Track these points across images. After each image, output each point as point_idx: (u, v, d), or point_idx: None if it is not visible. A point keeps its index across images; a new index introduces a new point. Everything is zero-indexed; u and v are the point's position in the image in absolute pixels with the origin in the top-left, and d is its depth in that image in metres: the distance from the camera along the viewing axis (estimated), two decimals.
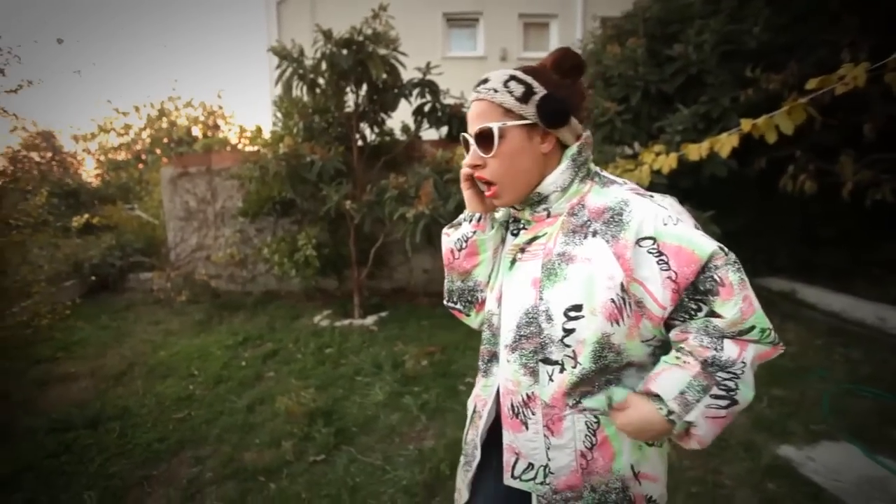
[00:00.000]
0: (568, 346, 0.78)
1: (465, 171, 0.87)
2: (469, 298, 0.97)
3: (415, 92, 4.39)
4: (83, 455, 2.40)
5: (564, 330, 0.77)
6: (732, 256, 0.74)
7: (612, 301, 0.75)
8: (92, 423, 2.69)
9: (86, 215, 6.82)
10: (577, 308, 0.76)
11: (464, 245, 0.92)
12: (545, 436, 0.82)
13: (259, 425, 2.64)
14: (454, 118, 4.62)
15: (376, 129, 4.65)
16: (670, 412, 0.74)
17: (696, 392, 0.73)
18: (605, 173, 0.85)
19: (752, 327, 0.74)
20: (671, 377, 0.75)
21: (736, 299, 0.72)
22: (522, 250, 0.86)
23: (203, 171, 5.42)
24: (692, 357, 0.75)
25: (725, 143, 2.08)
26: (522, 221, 0.89)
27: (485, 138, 0.80)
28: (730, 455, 2.20)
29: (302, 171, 3.77)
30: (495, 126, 0.78)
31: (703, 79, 3.64)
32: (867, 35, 3.18)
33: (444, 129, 4.79)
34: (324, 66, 3.71)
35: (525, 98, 0.78)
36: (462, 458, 1.00)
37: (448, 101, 4.60)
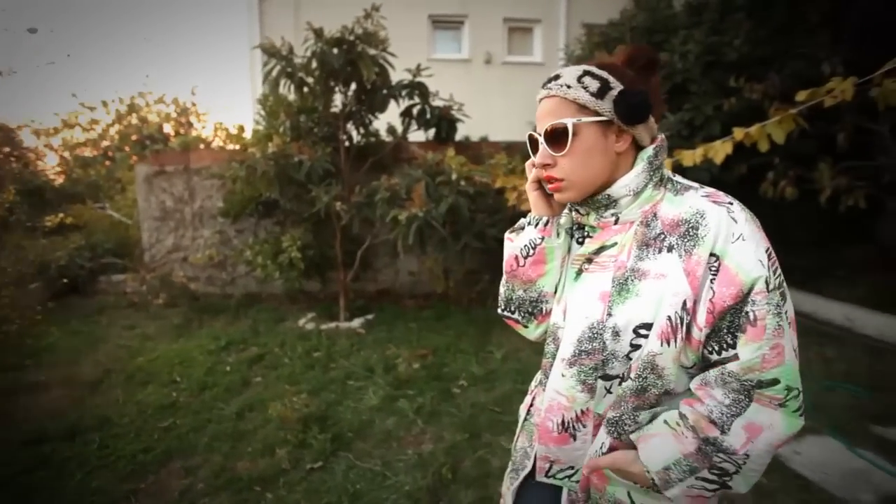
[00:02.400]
0: (630, 359, 0.75)
1: (534, 173, 0.83)
2: (530, 309, 0.90)
3: (403, 93, 4.36)
4: (62, 469, 2.28)
5: (632, 346, 0.74)
6: (777, 295, 0.68)
7: (669, 319, 0.70)
8: (69, 435, 2.56)
9: (60, 215, 6.47)
10: (648, 327, 0.72)
11: (531, 252, 0.85)
12: (591, 442, 0.81)
13: (250, 433, 2.57)
14: (443, 120, 4.62)
15: (362, 130, 4.60)
16: (652, 479, 0.72)
17: (682, 472, 0.69)
18: (678, 178, 0.80)
19: (776, 381, 0.67)
20: (661, 447, 0.71)
21: (761, 344, 0.67)
22: (589, 261, 0.81)
23: (181, 169, 5.23)
24: (693, 432, 0.69)
25: (720, 150, 2.14)
26: (587, 228, 0.84)
27: (557, 136, 0.74)
28: None
29: (290, 172, 3.69)
30: (569, 122, 0.73)
31: (688, 87, 3.75)
32: (839, 49, 3.36)
33: (432, 131, 4.79)
34: (314, 64, 3.64)
35: (601, 93, 0.74)
36: (510, 465, 0.98)
37: (437, 103, 4.59)
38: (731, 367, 0.69)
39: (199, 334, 4.13)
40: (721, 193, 0.75)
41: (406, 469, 2.22)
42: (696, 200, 0.74)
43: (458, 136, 5.00)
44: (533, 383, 1.00)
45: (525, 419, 0.96)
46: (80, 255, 5.52)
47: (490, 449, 2.35)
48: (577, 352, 0.79)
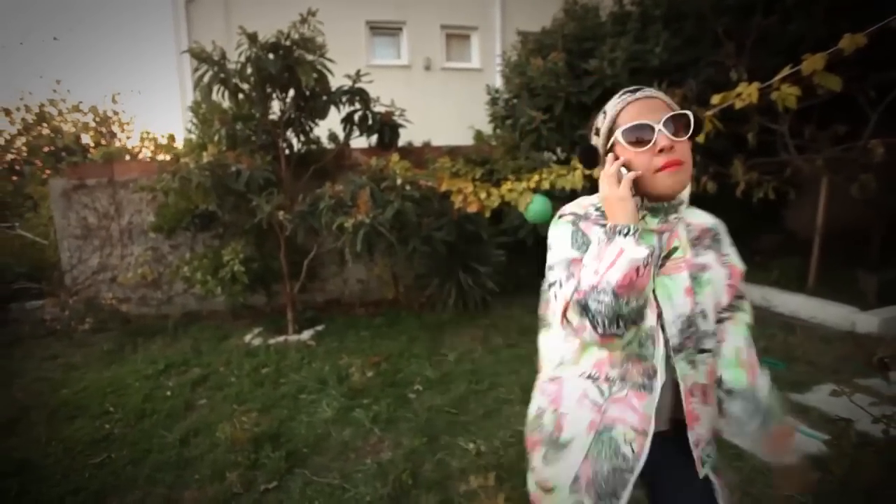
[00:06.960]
0: (715, 335, 0.97)
1: (627, 175, 0.88)
2: (635, 318, 0.88)
3: (343, 99, 4.31)
4: None
5: (718, 321, 0.98)
6: None
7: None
8: None
9: None
10: (719, 304, 0.98)
11: (649, 260, 0.86)
12: (709, 409, 1.00)
13: (197, 459, 2.42)
14: (385, 126, 4.61)
15: (302, 138, 4.49)
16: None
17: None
18: None
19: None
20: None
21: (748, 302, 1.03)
22: (662, 264, 0.95)
23: (104, 182, 4.85)
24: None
25: None
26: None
27: (679, 123, 0.87)
28: None
29: (228, 182, 3.53)
30: (691, 113, 0.89)
31: (617, 91, 3.99)
32: (742, 57, 3.72)
33: (374, 138, 4.76)
34: (249, 70, 3.51)
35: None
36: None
37: (378, 108, 4.57)
38: (745, 317, 1.01)
39: (134, 359, 3.84)
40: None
41: (365, 479, 2.19)
42: (706, 215, 1.03)
43: (401, 142, 5.00)
44: (593, 400, 0.98)
45: (595, 438, 0.96)
46: None
47: (449, 450, 2.37)
48: (682, 339, 0.95)
